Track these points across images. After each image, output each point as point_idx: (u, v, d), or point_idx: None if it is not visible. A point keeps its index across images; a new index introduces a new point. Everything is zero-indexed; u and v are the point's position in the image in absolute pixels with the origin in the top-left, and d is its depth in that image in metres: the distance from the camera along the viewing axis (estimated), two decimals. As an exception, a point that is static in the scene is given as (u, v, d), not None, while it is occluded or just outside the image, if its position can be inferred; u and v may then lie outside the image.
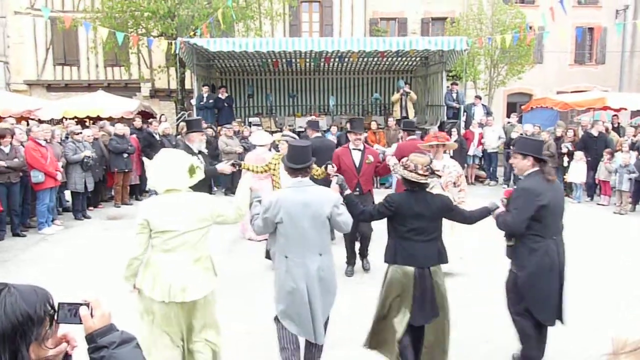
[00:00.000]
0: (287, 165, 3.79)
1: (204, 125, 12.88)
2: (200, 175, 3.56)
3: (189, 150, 5.60)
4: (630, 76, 22.25)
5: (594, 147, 11.70)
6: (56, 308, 1.55)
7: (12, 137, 8.40)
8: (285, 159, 3.85)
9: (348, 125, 7.58)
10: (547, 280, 3.86)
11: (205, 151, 6.27)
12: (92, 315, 1.61)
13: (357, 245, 6.68)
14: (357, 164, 6.39)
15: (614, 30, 18.55)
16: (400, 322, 3.70)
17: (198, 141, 6.02)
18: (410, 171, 3.73)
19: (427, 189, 3.92)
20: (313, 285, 3.61)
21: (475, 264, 6.49)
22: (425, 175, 3.73)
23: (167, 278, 3.32)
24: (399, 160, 4.04)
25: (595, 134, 11.99)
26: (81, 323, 1.60)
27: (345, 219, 3.76)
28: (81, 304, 1.61)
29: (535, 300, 3.89)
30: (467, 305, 5.17)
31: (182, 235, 3.36)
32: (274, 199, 3.67)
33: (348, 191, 4.06)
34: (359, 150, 6.47)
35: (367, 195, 6.41)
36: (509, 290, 4.07)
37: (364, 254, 6.69)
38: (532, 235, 3.84)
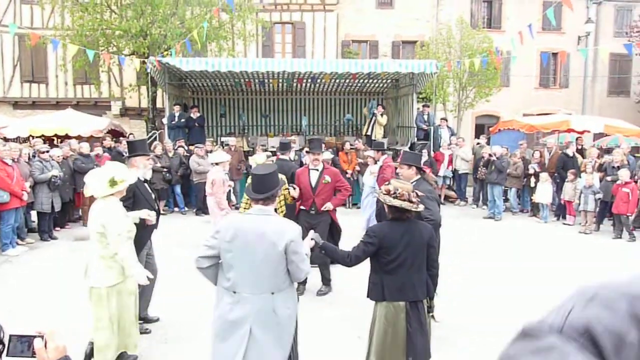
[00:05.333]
0: (249, 195, 3.43)
1: (178, 143, 12.89)
2: (121, 187, 4.01)
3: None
4: (592, 100, 23.07)
5: (571, 166, 11.95)
6: (6, 341, 1.43)
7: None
8: (247, 189, 3.52)
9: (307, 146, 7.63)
10: None
11: (149, 177, 5.32)
12: (46, 348, 1.50)
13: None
14: (314, 184, 6.44)
15: (577, 55, 19.24)
16: None
17: (142, 167, 5.01)
18: (403, 200, 3.52)
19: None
20: (258, 328, 3.17)
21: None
22: (416, 203, 3.57)
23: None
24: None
25: (571, 154, 12.33)
26: (34, 357, 1.49)
27: (301, 261, 3.24)
28: (34, 336, 1.50)
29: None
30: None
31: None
32: (226, 224, 3.31)
33: (321, 241, 3.79)
34: (317, 170, 6.55)
35: (323, 215, 6.44)
36: None
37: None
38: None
